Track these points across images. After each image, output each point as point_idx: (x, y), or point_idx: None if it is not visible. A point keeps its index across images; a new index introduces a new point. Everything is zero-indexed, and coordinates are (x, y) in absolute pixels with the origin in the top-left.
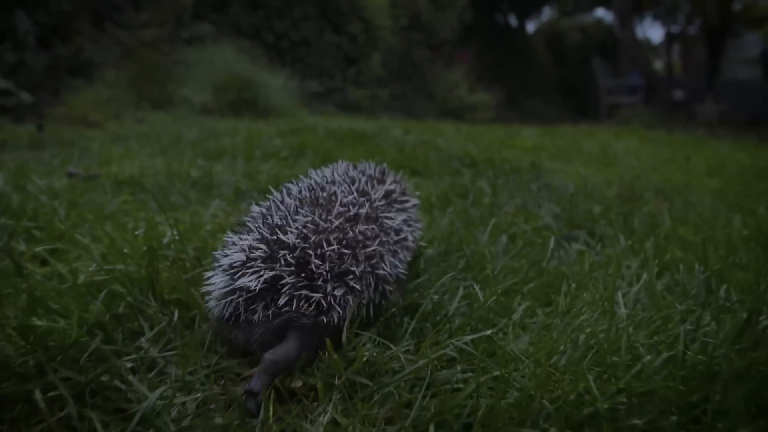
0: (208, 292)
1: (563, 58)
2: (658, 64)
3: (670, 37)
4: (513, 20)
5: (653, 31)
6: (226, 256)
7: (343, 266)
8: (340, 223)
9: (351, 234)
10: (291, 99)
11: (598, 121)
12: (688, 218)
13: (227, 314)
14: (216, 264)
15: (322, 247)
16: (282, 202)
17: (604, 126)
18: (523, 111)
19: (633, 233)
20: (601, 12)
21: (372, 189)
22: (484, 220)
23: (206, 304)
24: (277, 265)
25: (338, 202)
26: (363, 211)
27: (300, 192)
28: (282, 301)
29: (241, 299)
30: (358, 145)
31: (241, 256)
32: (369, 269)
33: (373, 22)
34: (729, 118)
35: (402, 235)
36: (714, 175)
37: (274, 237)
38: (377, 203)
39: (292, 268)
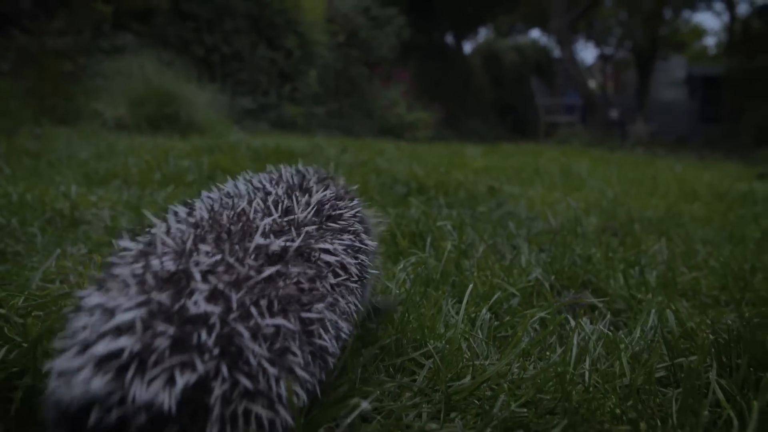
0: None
1: (500, 77)
2: (592, 84)
3: (603, 59)
4: (451, 40)
5: (586, 53)
6: (101, 336)
7: (281, 343)
8: (262, 266)
9: (282, 289)
10: (219, 115)
11: (536, 140)
12: (699, 260)
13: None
14: (76, 347)
15: (251, 316)
16: (168, 232)
17: (545, 145)
18: (462, 130)
19: (647, 287)
20: (536, 33)
21: (296, 203)
22: (446, 278)
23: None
24: (198, 359)
25: (255, 229)
26: (293, 245)
27: (194, 213)
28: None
29: (141, 420)
30: (280, 164)
31: (130, 342)
32: (305, 339)
33: (309, 37)
34: (658, 137)
35: (343, 276)
36: (690, 199)
37: (179, 303)
38: (307, 219)
39: (217, 363)
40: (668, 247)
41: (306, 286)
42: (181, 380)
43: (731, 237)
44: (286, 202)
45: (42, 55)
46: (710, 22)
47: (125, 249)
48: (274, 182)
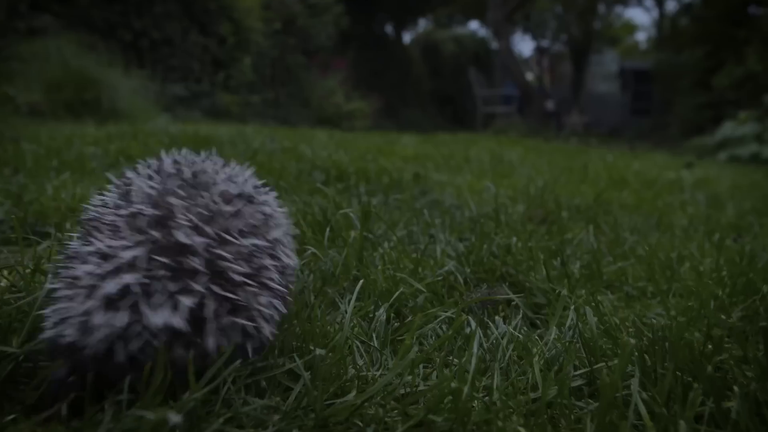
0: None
1: (439, 68)
2: (529, 76)
3: (540, 51)
4: (390, 30)
5: (523, 45)
6: (102, 277)
7: (257, 261)
8: (228, 204)
9: (252, 221)
10: (146, 103)
11: (474, 130)
12: (626, 248)
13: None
14: (82, 292)
15: (229, 242)
16: (131, 185)
17: (482, 135)
18: (401, 120)
19: (570, 279)
20: (474, 25)
21: (233, 176)
22: (347, 272)
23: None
24: (195, 285)
25: (212, 179)
26: (244, 189)
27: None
28: (209, 343)
29: (154, 342)
30: (197, 152)
31: (135, 277)
32: (275, 262)
33: (243, 23)
34: (592, 128)
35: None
36: (620, 187)
37: (170, 239)
38: (249, 187)
39: (209, 286)
40: (595, 235)
41: (261, 220)
42: (186, 302)
43: (659, 224)
44: (223, 172)
45: None
46: (641, 18)
47: (102, 201)
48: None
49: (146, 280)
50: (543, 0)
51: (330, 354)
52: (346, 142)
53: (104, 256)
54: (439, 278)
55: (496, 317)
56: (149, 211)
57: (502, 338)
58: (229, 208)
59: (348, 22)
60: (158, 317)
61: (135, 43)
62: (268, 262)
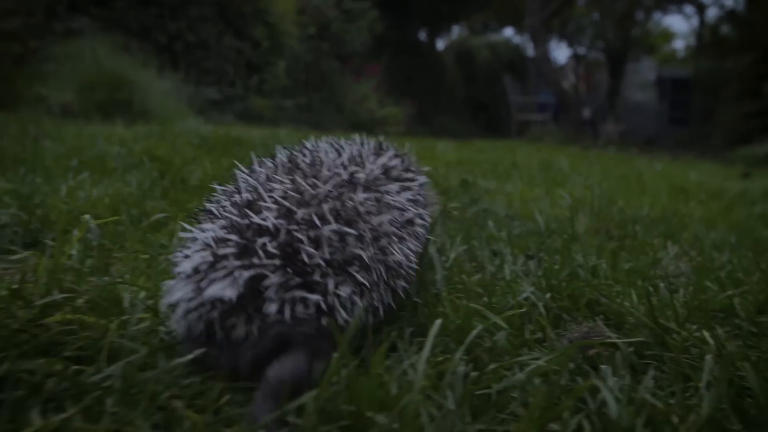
0: (172, 307)
1: (473, 75)
2: (565, 84)
3: (576, 59)
4: (424, 36)
5: (559, 52)
6: (187, 257)
7: (347, 251)
8: (333, 189)
9: (350, 203)
10: (179, 105)
11: (509, 137)
12: (723, 272)
13: (198, 333)
14: (176, 270)
15: (315, 226)
16: (251, 174)
17: (518, 142)
18: (434, 126)
19: (676, 314)
20: (509, 32)
21: (366, 159)
22: (405, 299)
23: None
24: (256, 260)
25: (325, 166)
26: (361, 175)
27: (273, 160)
28: (270, 308)
29: (214, 314)
30: (227, 154)
31: (206, 255)
32: (379, 255)
33: (278, 28)
34: (628, 137)
35: (408, 216)
36: (683, 198)
37: (246, 221)
38: (374, 174)
39: (277, 262)
40: (678, 254)
41: (374, 209)
42: (243, 276)
43: (746, 241)
44: (357, 158)
45: None
46: (679, 25)
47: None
48: (348, 143)
49: (211, 258)
50: (581, 6)
51: (395, 425)
52: None
53: (194, 240)
54: (521, 309)
55: (602, 366)
56: (244, 196)
57: (619, 394)
58: (322, 191)
59: (382, 28)
60: (210, 290)
61: (170, 46)
62: (364, 252)
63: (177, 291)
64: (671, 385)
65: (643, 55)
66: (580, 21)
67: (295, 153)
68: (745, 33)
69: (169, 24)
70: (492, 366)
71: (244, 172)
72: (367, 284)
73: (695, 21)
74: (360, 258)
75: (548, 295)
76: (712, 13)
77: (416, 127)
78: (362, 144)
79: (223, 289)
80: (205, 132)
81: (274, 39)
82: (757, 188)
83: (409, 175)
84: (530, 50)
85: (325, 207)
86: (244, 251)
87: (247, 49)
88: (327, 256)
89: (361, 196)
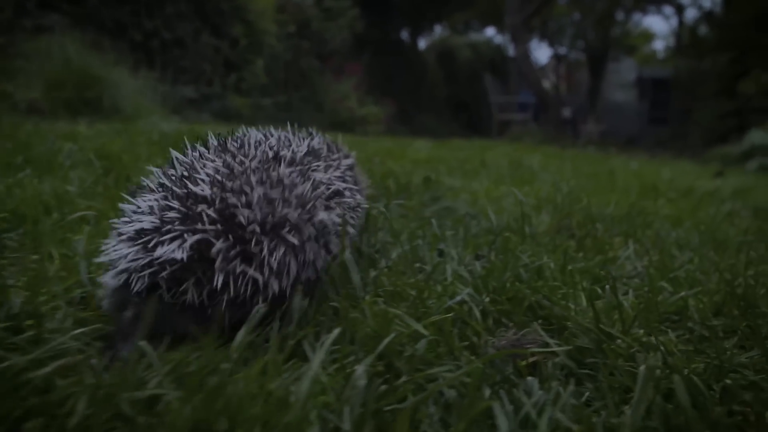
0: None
1: (454, 74)
2: (545, 84)
3: (557, 58)
4: (405, 35)
5: (540, 52)
6: (129, 222)
7: (276, 213)
8: (259, 164)
9: (275, 174)
10: (153, 103)
11: (489, 137)
12: (680, 271)
13: (138, 290)
14: (117, 233)
15: (245, 193)
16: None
17: (498, 141)
18: (415, 125)
19: (623, 315)
20: (491, 32)
21: (293, 142)
22: (321, 303)
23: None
24: (200, 225)
25: (251, 146)
26: (286, 152)
27: (204, 144)
28: (219, 281)
29: (163, 274)
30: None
31: (152, 220)
32: (305, 215)
33: (257, 25)
34: (608, 137)
35: (334, 188)
36: (652, 196)
37: (185, 190)
38: (300, 153)
39: (218, 227)
40: (637, 253)
41: (297, 179)
42: (189, 239)
43: (710, 240)
44: (284, 141)
45: None
46: (658, 26)
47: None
48: (278, 131)
49: (157, 222)
50: (561, 5)
51: None
52: (355, 145)
53: (137, 208)
54: (449, 314)
55: (528, 378)
56: (180, 170)
57: (540, 413)
58: (249, 165)
59: (363, 27)
60: (162, 251)
61: (145, 44)
62: (291, 212)
63: (119, 251)
64: (604, 398)
65: (623, 55)
66: (560, 21)
67: (225, 139)
68: (723, 33)
69: (145, 21)
70: (403, 379)
71: (178, 156)
72: (297, 242)
73: (674, 21)
74: (288, 220)
75: (487, 298)
76: (690, 14)
77: (397, 126)
78: (293, 133)
79: (173, 251)
80: (167, 129)
81: (252, 37)
82: (728, 186)
83: (336, 156)
84: (511, 50)
85: (253, 178)
86: (187, 217)
87: (225, 47)
88: (259, 218)
89: (286, 170)
